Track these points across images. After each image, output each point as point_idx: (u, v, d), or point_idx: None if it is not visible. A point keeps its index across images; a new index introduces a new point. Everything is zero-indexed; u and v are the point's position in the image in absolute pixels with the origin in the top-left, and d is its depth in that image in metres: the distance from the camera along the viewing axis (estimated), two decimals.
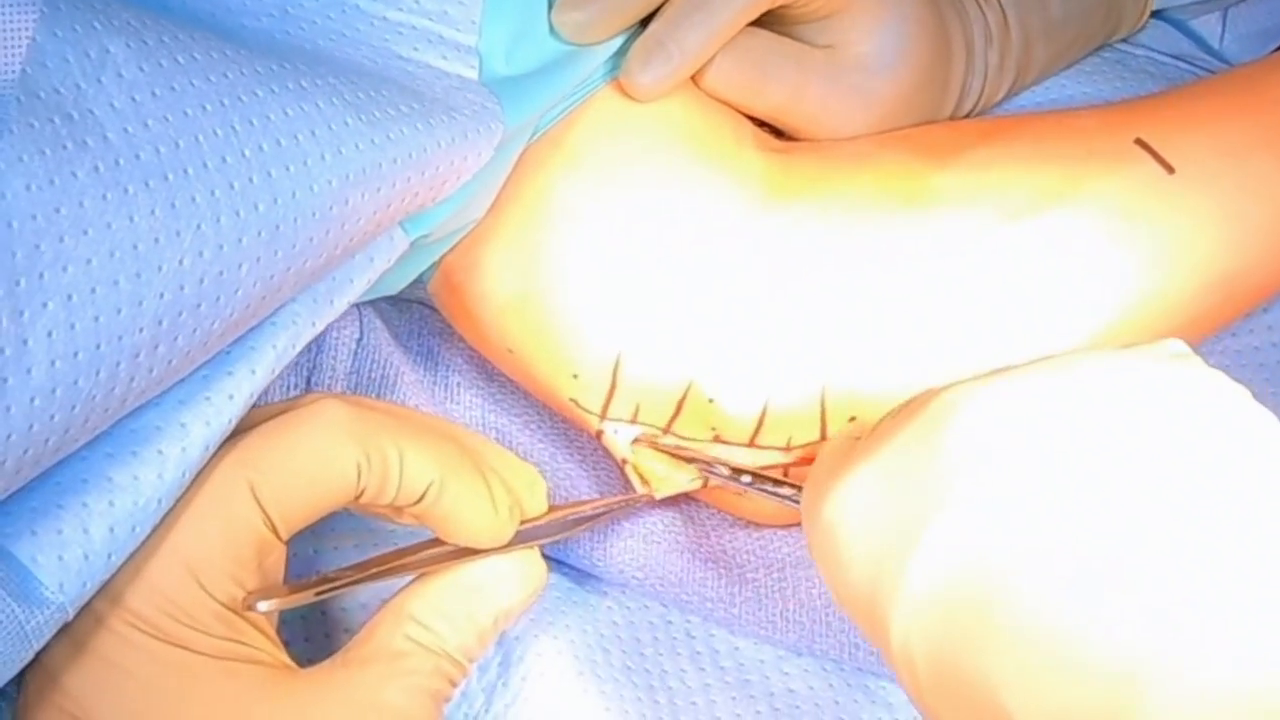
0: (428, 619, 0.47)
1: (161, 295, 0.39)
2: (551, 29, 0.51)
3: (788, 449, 0.53)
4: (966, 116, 0.64)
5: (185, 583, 0.43)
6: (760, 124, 0.59)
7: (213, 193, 0.40)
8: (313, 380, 0.56)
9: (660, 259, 0.52)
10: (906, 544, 0.40)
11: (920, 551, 0.40)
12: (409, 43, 0.48)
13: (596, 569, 0.56)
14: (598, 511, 0.54)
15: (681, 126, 0.54)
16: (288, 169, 0.42)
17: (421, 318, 0.60)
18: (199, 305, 0.40)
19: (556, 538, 0.52)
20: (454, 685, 0.48)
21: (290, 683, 0.45)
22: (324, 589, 0.46)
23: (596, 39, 0.52)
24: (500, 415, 0.58)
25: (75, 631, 0.42)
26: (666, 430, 0.53)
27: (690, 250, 0.52)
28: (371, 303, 0.58)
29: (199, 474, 0.43)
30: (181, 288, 0.39)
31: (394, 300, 0.57)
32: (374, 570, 0.48)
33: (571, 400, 0.53)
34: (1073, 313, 0.53)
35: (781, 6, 0.55)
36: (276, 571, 0.47)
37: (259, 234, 0.41)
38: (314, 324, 0.46)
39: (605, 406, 0.52)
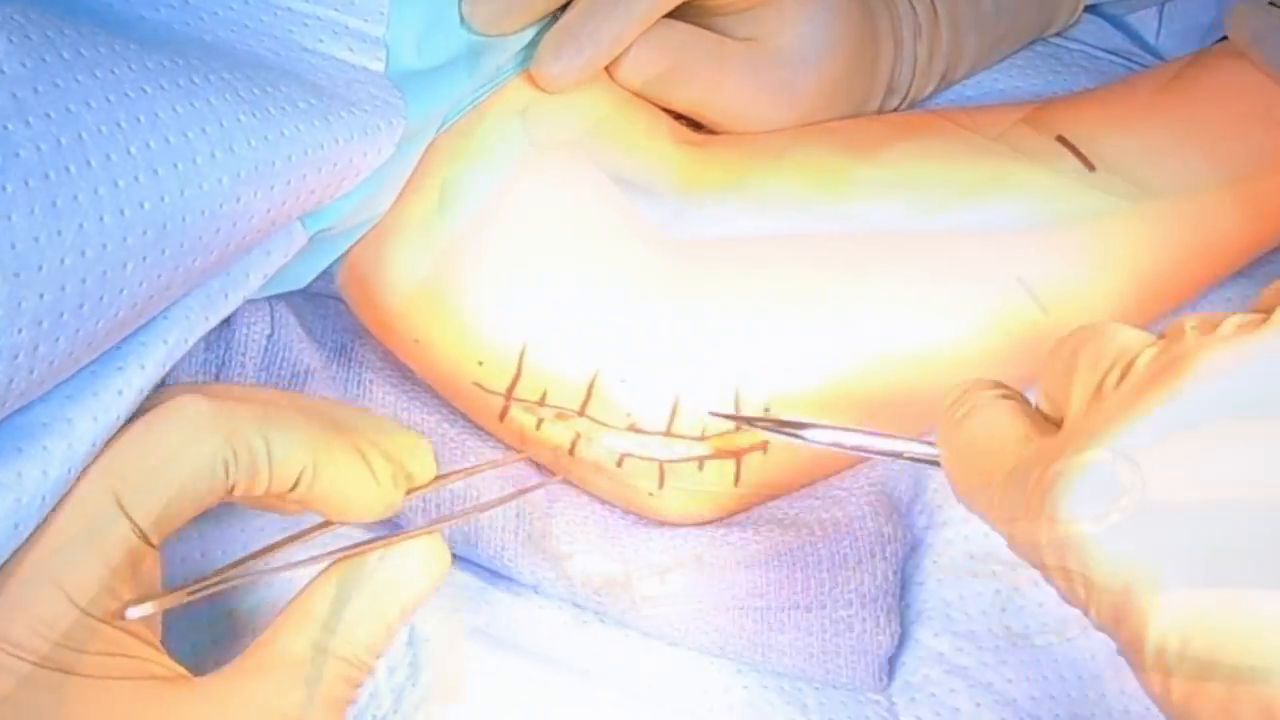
0: (331, 620, 0.46)
1: (41, 296, 0.38)
2: (462, 20, 0.51)
3: (703, 438, 0.53)
4: (895, 110, 0.63)
5: (57, 601, 0.41)
6: (679, 117, 0.59)
7: (96, 190, 0.39)
8: (222, 376, 0.56)
9: (568, 250, 0.52)
10: None
11: None
12: (314, 34, 0.48)
13: (508, 569, 0.56)
14: (496, 499, 0.53)
15: (594, 119, 0.54)
16: (175, 166, 0.41)
17: (337, 313, 0.60)
18: (81, 305, 0.39)
19: (457, 520, 0.52)
20: (358, 687, 0.47)
21: (182, 694, 0.43)
22: (198, 588, 0.45)
23: (507, 30, 0.52)
24: (414, 413, 0.58)
25: None
26: (581, 414, 0.53)
27: (598, 242, 0.52)
28: (285, 297, 0.58)
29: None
30: (63, 288, 0.38)
31: (308, 295, 0.57)
32: (256, 563, 0.47)
33: (476, 384, 0.52)
34: (992, 307, 0.53)
35: None
36: (153, 577, 0.45)
37: (145, 232, 0.40)
38: (207, 319, 0.45)
39: (511, 389, 0.52)
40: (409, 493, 0.48)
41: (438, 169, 0.51)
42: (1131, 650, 0.34)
